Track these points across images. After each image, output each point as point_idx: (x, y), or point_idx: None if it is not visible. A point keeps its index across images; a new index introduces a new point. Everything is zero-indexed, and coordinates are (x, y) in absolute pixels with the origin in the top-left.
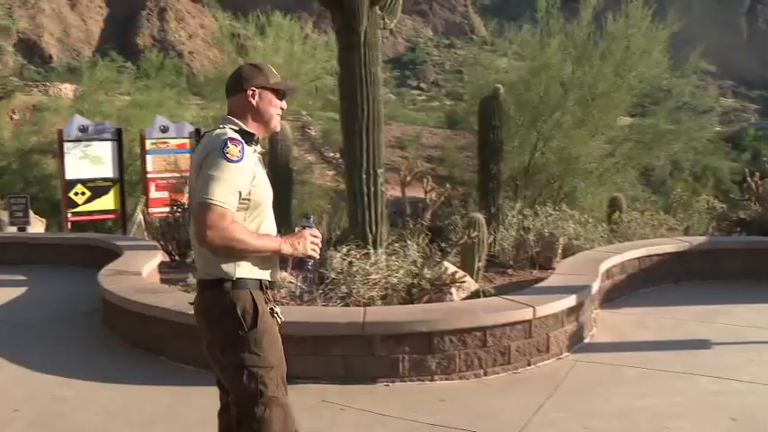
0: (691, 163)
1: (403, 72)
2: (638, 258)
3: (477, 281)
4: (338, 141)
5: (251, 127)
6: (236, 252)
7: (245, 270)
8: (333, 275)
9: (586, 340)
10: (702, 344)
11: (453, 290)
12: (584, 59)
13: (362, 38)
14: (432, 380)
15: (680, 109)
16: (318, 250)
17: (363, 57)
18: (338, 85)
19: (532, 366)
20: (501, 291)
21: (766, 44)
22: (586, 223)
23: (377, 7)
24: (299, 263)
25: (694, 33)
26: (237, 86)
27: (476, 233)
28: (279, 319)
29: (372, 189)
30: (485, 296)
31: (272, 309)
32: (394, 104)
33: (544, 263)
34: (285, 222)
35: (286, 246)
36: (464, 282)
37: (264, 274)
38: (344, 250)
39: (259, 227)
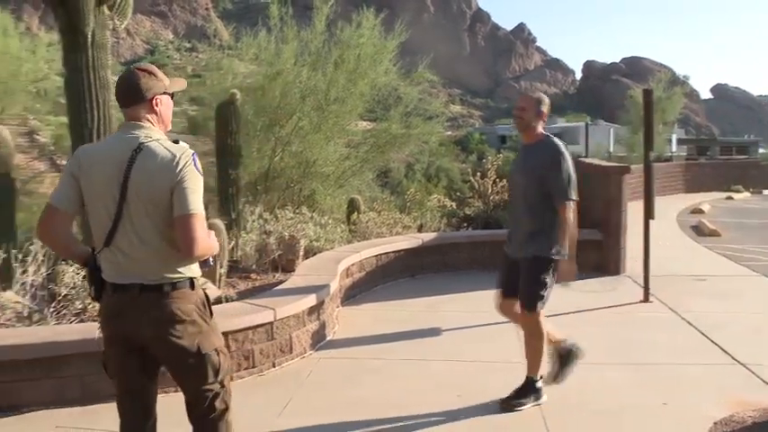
0: (425, 165)
1: None
2: (376, 256)
3: (219, 287)
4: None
5: None
6: (204, 257)
7: (197, 267)
8: (65, 291)
9: (329, 337)
10: (433, 331)
11: None
12: (318, 66)
13: (89, 39)
14: (176, 390)
15: (410, 114)
16: None
17: (91, 59)
18: (65, 89)
19: (277, 368)
20: (243, 295)
21: (486, 58)
22: (326, 225)
23: (105, 6)
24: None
25: (425, 45)
26: (138, 97)
27: (217, 239)
28: None
29: None
30: (227, 302)
31: None
32: None
33: (287, 265)
34: (8, 237)
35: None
36: (205, 289)
37: None
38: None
39: None
